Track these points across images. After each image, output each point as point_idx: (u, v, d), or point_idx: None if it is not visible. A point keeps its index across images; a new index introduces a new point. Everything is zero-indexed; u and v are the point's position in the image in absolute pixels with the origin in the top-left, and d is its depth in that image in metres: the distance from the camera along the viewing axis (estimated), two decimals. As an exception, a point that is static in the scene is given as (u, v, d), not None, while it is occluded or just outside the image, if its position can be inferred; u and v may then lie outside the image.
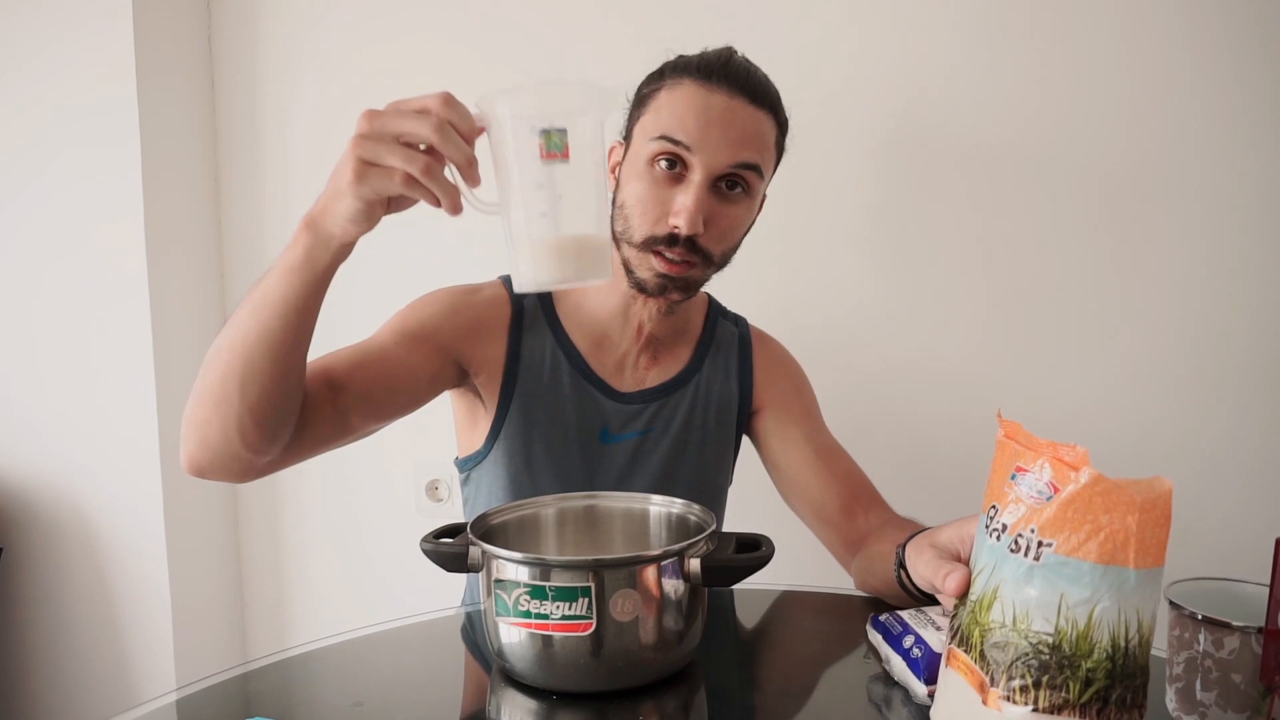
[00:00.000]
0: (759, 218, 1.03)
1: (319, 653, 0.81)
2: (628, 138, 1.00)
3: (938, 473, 1.40)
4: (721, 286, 1.13)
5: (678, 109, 0.93)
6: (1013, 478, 0.57)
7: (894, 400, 1.42)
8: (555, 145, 0.63)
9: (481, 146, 0.67)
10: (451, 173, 0.66)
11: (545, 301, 1.04)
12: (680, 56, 0.98)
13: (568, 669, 0.69)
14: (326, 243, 0.71)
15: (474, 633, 0.86)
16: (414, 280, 1.09)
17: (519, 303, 1.03)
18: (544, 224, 0.66)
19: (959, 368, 1.40)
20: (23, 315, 1.52)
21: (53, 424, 1.53)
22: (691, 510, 0.82)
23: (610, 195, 0.69)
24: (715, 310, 1.13)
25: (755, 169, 0.95)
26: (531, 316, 1.03)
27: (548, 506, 0.86)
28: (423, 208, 0.69)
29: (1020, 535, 0.54)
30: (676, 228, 0.92)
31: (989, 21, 1.34)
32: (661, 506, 0.85)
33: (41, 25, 1.46)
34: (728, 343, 1.10)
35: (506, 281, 1.05)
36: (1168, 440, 1.35)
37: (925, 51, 1.37)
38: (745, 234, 1.01)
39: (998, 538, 0.56)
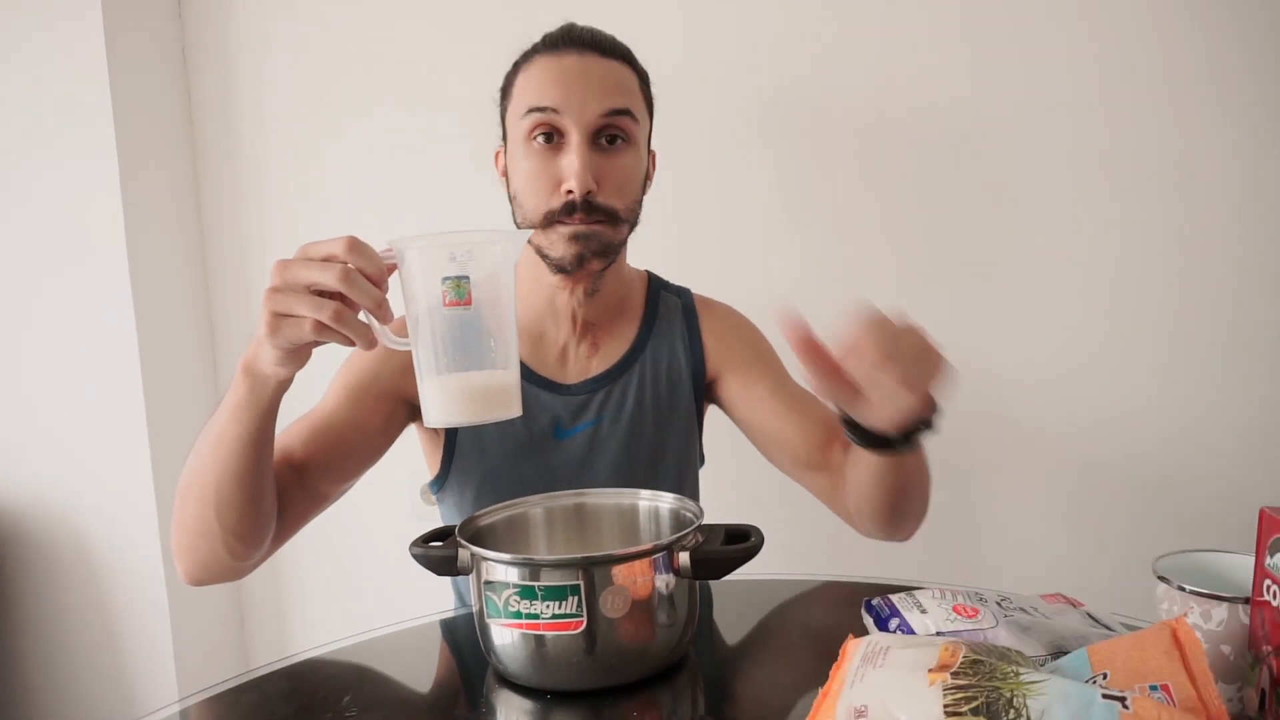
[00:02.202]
0: (657, 175, 1.06)
1: (318, 660, 0.81)
2: (504, 135, 1.01)
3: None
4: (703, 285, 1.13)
5: (534, 81, 0.95)
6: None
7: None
8: (459, 293, 0.66)
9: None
10: (364, 313, 0.69)
11: None
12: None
13: (560, 668, 0.69)
14: (264, 383, 0.75)
15: (469, 634, 0.86)
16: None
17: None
18: (448, 365, 0.69)
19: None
20: (8, 334, 1.52)
21: (43, 442, 1.52)
22: (681, 503, 0.82)
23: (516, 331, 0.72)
24: (656, 285, 1.12)
25: (627, 114, 0.96)
26: None
27: (535, 506, 0.86)
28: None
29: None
30: (570, 192, 0.93)
31: (961, 6, 1.34)
32: (650, 501, 0.85)
33: (10, 29, 1.45)
34: (671, 316, 1.09)
35: None
36: (1153, 411, 1.35)
37: (897, 36, 1.36)
38: (644, 188, 1.02)
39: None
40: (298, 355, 0.72)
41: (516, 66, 1.00)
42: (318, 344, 0.71)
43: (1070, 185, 1.34)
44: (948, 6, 1.34)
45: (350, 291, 0.67)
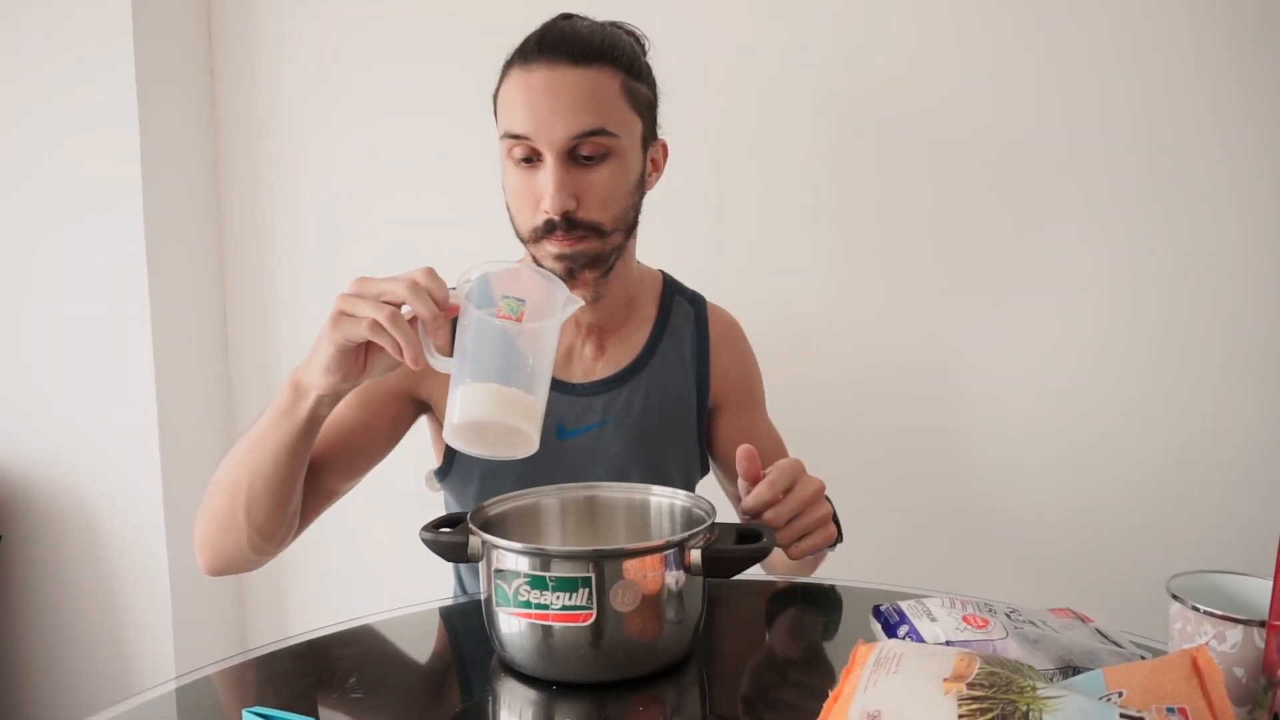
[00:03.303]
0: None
1: (318, 642, 0.81)
2: None
3: (907, 466, 1.40)
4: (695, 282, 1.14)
5: (507, 101, 0.94)
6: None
7: (863, 398, 1.42)
8: (511, 309, 0.72)
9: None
10: (420, 330, 0.74)
11: None
12: None
13: (567, 659, 0.69)
14: (306, 395, 0.80)
15: (474, 622, 0.86)
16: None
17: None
18: (485, 375, 0.71)
19: (934, 362, 1.40)
20: (22, 304, 1.52)
21: (52, 412, 1.53)
22: (693, 501, 0.82)
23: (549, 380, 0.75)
24: (671, 288, 1.11)
25: (600, 132, 0.92)
26: None
27: (549, 497, 0.86)
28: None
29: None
30: (548, 212, 0.93)
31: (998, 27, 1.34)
32: (663, 497, 0.84)
33: (40, 20, 1.45)
34: (682, 325, 1.09)
35: None
36: (1168, 433, 1.34)
37: (888, 35, 1.37)
38: (637, 191, 0.99)
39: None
40: (345, 363, 0.76)
41: (501, 75, 0.97)
42: (373, 366, 0.77)
43: (1085, 206, 1.34)
44: (987, 29, 1.34)
45: (412, 299, 0.72)
